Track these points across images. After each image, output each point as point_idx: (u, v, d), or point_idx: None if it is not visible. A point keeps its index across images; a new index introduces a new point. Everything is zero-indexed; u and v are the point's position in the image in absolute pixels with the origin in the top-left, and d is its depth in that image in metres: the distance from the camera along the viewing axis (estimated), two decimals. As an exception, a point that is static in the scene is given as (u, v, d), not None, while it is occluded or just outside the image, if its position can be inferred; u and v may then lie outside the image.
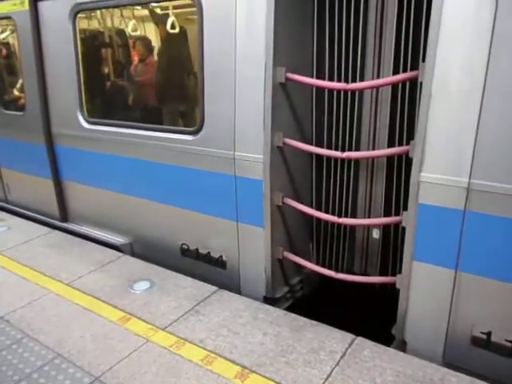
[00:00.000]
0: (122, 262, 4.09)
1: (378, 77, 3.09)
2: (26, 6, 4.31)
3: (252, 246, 3.41)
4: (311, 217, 3.53)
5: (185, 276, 3.77)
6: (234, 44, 3.08)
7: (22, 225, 5.08)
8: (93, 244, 4.51)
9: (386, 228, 3.31)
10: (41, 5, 4.28)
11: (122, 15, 4.51)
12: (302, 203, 3.31)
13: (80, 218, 4.85)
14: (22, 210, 5.37)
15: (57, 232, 4.85)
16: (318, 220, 3.55)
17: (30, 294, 3.63)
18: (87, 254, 4.29)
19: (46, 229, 4.93)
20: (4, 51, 5.37)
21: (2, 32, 5.19)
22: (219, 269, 3.70)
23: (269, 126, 3.03)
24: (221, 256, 3.65)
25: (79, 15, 4.08)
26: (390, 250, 3.30)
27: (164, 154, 3.75)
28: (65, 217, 4.96)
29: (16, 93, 5.35)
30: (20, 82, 5.37)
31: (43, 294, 3.62)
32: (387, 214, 3.23)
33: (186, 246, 3.88)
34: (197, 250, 3.80)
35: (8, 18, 4.67)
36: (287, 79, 3.00)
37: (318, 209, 3.48)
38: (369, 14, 3.02)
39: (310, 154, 3.40)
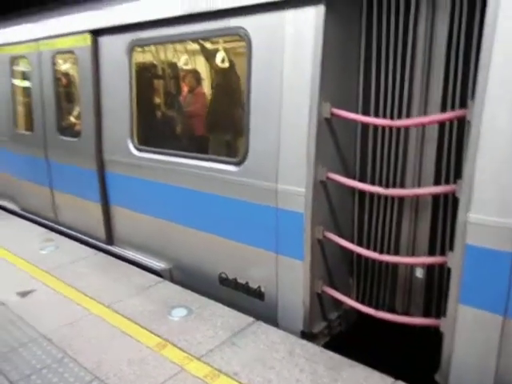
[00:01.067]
0: (162, 288, 4.16)
1: (425, 113, 3.06)
2: (88, 42, 4.62)
3: (291, 279, 3.38)
4: (352, 252, 3.47)
5: (222, 305, 3.77)
6: (281, 77, 3.16)
7: (69, 245, 5.28)
8: (134, 268, 4.62)
9: (430, 267, 3.20)
10: (101, 40, 4.58)
11: (174, 49, 4.73)
12: (342, 237, 3.28)
13: (124, 241, 5.00)
14: (70, 231, 5.59)
15: (101, 254, 5.01)
16: (359, 255, 3.49)
17: (73, 314, 3.74)
18: (129, 277, 4.40)
19: (91, 250, 5.10)
20: (64, 81, 5.74)
21: (64, 64, 5.56)
22: (257, 300, 3.68)
23: (312, 160, 3.05)
24: (259, 287, 3.64)
25: (135, 50, 4.32)
26: (435, 291, 3.18)
27: (207, 183, 3.84)
28: (110, 240, 5.12)
29: (72, 119, 5.67)
30: (76, 109, 5.70)
31: (84, 315, 3.71)
32: (432, 253, 3.13)
33: (224, 275, 3.90)
34: (235, 279, 3.81)
35: (70, 51, 5.01)
36: (332, 114, 3.03)
37: (359, 244, 3.42)
38: (417, 48, 3.02)
39: (353, 188, 3.38)
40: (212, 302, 3.84)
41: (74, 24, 4.83)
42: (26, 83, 6.06)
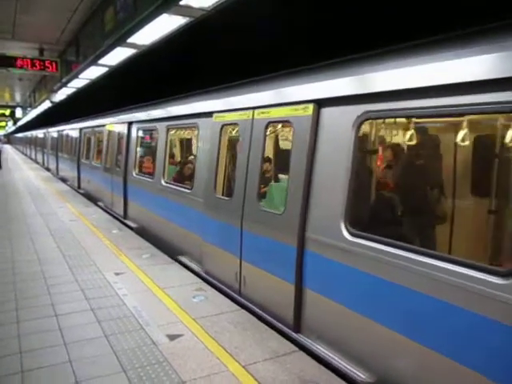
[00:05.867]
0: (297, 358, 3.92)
1: None
2: (309, 112, 4.32)
3: None
4: None
5: None
6: None
7: (218, 298, 5.38)
8: (272, 332, 4.51)
9: None
10: (324, 111, 4.25)
11: (407, 122, 4.16)
12: None
13: (315, 332, 4.33)
14: (254, 307, 5.15)
15: (243, 311, 5.02)
16: None
17: (211, 367, 3.83)
18: (266, 340, 4.34)
19: (235, 306, 5.14)
20: (270, 149, 5.62)
21: (273, 132, 5.42)
22: None
23: None
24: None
25: (364, 122, 3.87)
26: None
27: (447, 289, 3.02)
28: (297, 327, 4.52)
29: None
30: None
31: (221, 371, 3.77)
32: None
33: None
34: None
35: (286, 121, 4.82)
36: None
37: None
38: None
39: None
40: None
41: (294, 94, 4.65)
42: (230, 148, 6.12)
